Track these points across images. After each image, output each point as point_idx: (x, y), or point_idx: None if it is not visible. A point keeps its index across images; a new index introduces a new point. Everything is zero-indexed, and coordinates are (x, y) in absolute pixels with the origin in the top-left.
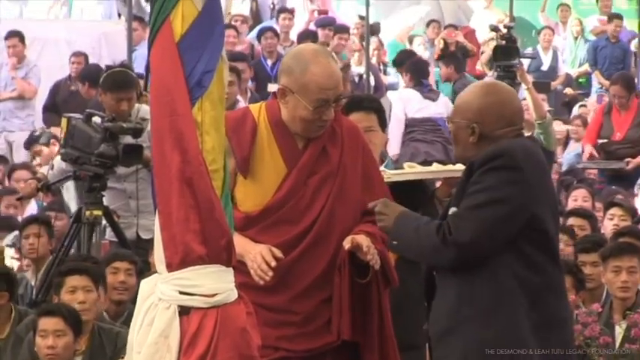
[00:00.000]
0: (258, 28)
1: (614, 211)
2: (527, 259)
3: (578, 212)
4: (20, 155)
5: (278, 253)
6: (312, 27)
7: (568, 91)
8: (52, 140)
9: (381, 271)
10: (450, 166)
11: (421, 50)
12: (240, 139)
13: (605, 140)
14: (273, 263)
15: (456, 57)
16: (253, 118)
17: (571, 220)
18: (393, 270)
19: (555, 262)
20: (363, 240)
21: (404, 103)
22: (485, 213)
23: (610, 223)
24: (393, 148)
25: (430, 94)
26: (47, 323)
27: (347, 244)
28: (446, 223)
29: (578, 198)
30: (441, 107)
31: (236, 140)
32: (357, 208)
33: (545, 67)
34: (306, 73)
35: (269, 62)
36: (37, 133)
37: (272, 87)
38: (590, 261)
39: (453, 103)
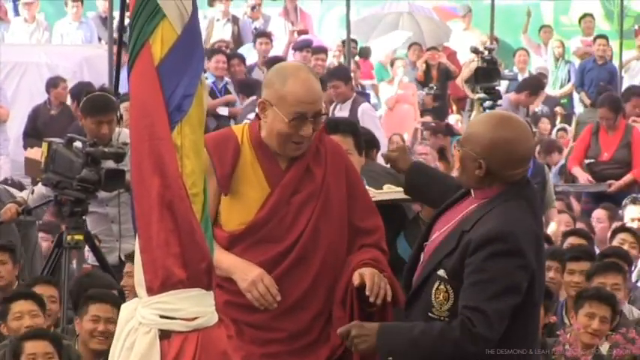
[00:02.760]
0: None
1: (624, 236)
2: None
3: (577, 232)
4: None
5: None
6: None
7: (559, 110)
8: None
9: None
10: None
11: (401, 73)
12: (222, 156)
13: (592, 160)
14: (279, 298)
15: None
16: (236, 139)
17: (570, 240)
18: (400, 292)
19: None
20: (368, 276)
21: None
22: (503, 304)
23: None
24: None
25: None
26: (36, 347)
27: (355, 280)
28: (466, 319)
29: (561, 223)
30: None
31: (217, 157)
32: (343, 226)
33: None
34: (285, 86)
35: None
36: None
37: (222, 110)
38: (579, 269)
39: None
